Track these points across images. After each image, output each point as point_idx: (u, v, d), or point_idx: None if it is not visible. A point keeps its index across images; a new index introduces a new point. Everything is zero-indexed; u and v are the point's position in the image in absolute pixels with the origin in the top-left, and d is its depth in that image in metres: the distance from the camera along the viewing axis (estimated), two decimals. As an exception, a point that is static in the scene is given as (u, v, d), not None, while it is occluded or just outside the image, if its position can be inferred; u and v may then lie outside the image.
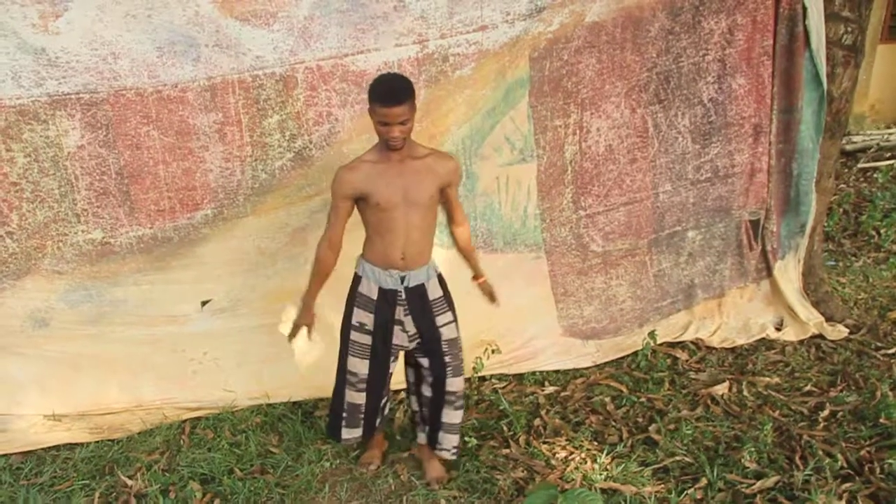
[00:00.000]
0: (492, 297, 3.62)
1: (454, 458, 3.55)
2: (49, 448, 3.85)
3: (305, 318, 3.36)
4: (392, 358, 3.44)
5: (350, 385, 3.45)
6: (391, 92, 3.00)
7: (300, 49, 3.64)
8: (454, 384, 3.43)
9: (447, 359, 3.40)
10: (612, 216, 4.42)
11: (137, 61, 3.53)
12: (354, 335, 3.38)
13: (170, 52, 3.54)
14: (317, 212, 3.92)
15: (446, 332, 3.38)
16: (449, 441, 3.51)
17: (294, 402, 4.16)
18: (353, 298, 3.36)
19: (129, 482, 3.57)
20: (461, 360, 3.45)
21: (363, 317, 3.34)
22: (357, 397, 3.47)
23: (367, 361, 3.40)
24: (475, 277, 3.61)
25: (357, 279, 3.36)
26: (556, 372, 4.44)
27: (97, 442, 3.89)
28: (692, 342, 4.69)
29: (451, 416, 3.47)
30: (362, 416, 3.51)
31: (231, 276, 3.99)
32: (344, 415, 3.51)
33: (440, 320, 3.36)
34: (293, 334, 3.39)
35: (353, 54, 3.69)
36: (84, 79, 3.50)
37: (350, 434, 3.55)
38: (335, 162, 3.72)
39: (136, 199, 3.76)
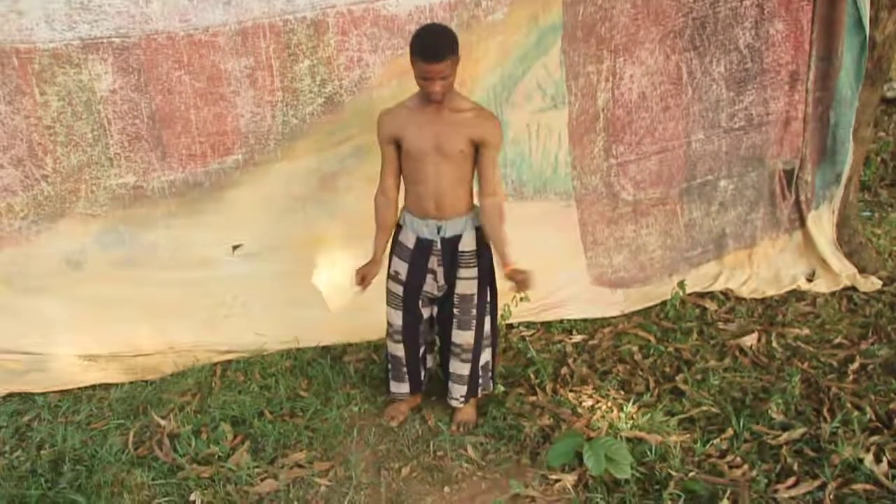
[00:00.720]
0: (524, 286, 3.20)
1: (462, 405, 3.59)
2: (85, 387, 3.93)
3: (374, 269, 3.34)
4: (421, 303, 3.44)
5: (388, 336, 3.50)
6: (433, 48, 2.94)
7: (331, -8, 3.61)
8: (459, 336, 3.44)
9: (455, 311, 3.40)
10: (643, 164, 4.37)
11: (169, 5, 3.52)
12: (389, 284, 3.42)
13: (201, -4, 3.53)
14: (347, 157, 3.93)
15: (462, 287, 3.36)
16: (456, 391, 3.55)
17: (323, 347, 4.21)
18: (393, 247, 3.38)
19: (162, 422, 3.64)
20: (471, 316, 3.41)
21: (399, 265, 3.36)
22: (396, 349, 3.51)
23: (399, 312, 3.43)
24: (503, 265, 3.23)
25: (398, 228, 3.37)
26: (584, 320, 4.44)
27: (131, 383, 3.97)
28: (721, 292, 4.66)
29: (458, 367, 3.50)
30: (405, 368, 3.54)
31: (261, 221, 4.01)
32: (389, 367, 3.57)
33: (462, 273, 3.34)
34: (365, 285, 3.35)
35: (384, -2, 3.66)
36: (116, 22, 3.50)
37: (398, 388, 3.60)
38: (366, 108, 3.72)
39: (168, 143, 3.78)
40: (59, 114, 3.64)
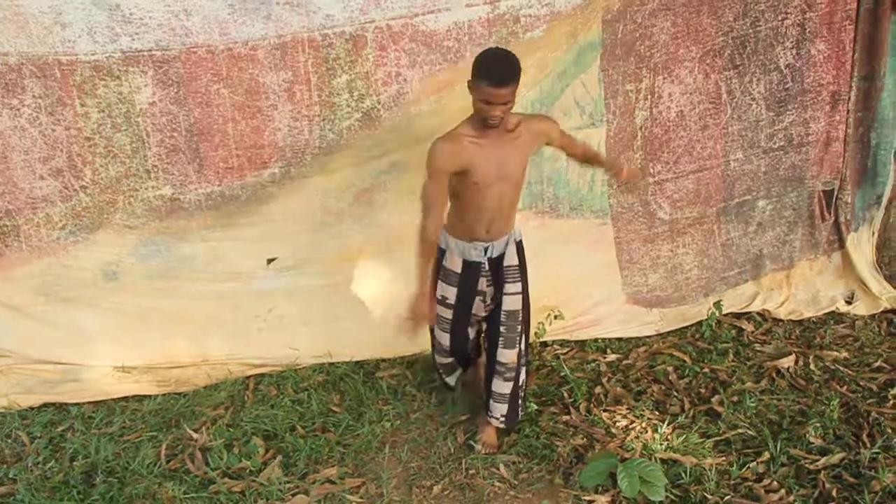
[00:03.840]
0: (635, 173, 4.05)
1: (502, 426, 3.55)
2: (119, 399, 3.95)
3: (425, 309, 3.24)
4: (469, 326, 3.46)
5: (438, 351, 3.58)
6: (502, 74, 2.89)
7: (370, 8, 3.60)
8: (504, 356, 3.40)
9: (502, 329, 3.38)
10: (680, 183, 4.34)
11: (209, 18, 3.53)
12: (437, 308, 3.37)
13: (241, 10, 3.53)
14: (383, 173, 3.94)
15: (508, 302, 3.34)
16: (497, 409, 3.50)
17: (356, 362, 4.20)
18: (437, 272, 3.32)
19: (195, 435, 3.65)
20: (517, 334, 3.39)
21: (446, 290, 3.33)
22: (445, 359, 3.63)
23: (447, 334, 3.44)
24: (617, 175, 3.91)
25: (441, 252, 3.31)
26: (619, 340, 4.40)
27: (164, 395, 3.98)
28: (758, 313, 4.60)
29: (500, 385, 3.46)
30: (458, 364, 3.71)
31: (297, 234, 4.01)
32: (440, 370, 3.71)
33: (508, 288, 3.32)
34: (416, 328, 3.32)
35: (423, 14, 3.65)
36: (157, 35, 3.52)
37: (453, 379, 3.77)
38: (403, 123, 3.72)
39: (206, 156, 3.79)
40: (98, 125, 3.67)
